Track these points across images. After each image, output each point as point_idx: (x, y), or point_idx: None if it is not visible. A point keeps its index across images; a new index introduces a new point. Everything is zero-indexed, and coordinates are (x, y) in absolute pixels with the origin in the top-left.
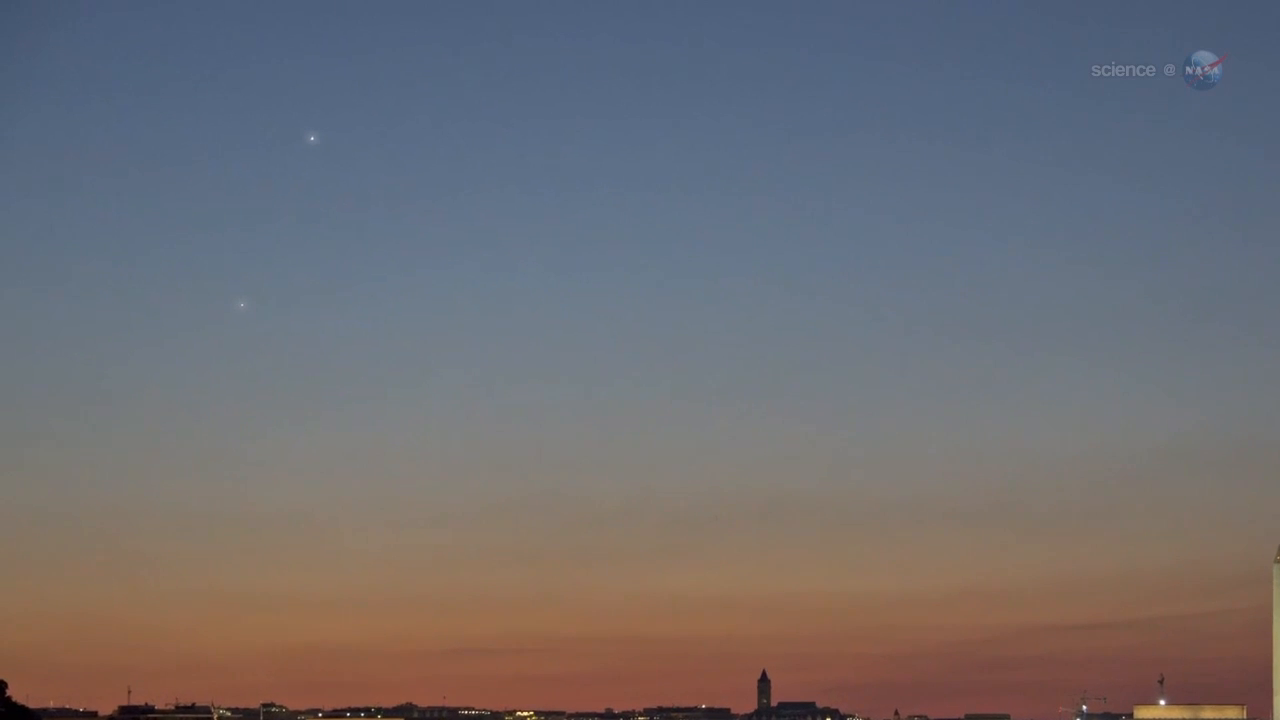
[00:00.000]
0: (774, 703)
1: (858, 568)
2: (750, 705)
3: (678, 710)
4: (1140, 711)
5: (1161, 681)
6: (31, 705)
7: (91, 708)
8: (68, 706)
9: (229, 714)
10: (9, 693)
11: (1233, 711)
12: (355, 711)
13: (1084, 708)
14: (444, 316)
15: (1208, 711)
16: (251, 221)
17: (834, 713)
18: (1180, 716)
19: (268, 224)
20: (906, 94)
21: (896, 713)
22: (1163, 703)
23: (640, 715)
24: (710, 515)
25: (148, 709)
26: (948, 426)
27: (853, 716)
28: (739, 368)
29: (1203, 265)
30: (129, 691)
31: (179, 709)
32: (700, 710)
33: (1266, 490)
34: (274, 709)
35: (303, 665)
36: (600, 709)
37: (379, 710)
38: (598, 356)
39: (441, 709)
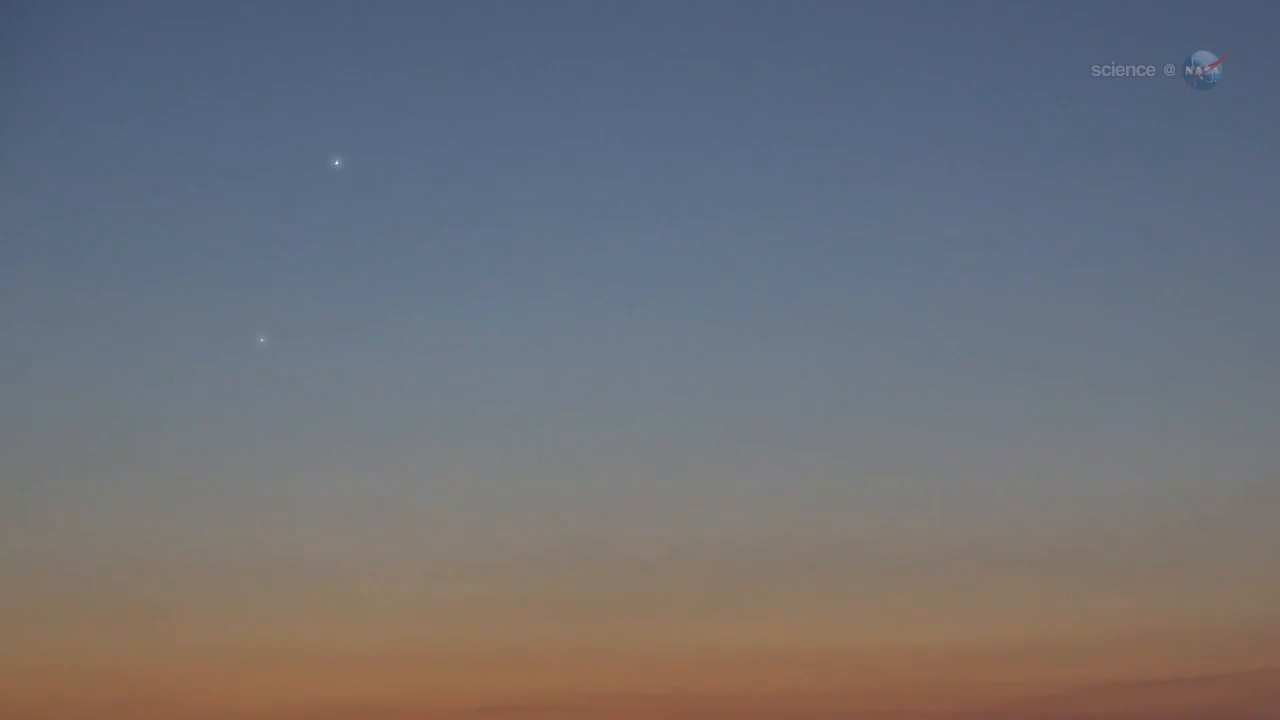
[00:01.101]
0: None
1: (915, 620)
2: None
3: None
4: None
5: None
6: None
7: None
8: None
9: None
10: None
11: None
12: None
13: None
14: (477, 352)
15: None
16: (272, 251)
17: None
18: None
19: (289, 253)
20: (966, 116)
21: None
22: None
23: None
24: (759, 564)
25: None
26: (1011, 469)
27: None
28: (790, 407)
29: None
30: None
31: None
32: None
33: None
34: None
35: None
36: None
37: None
38: (640, 395)
39: None
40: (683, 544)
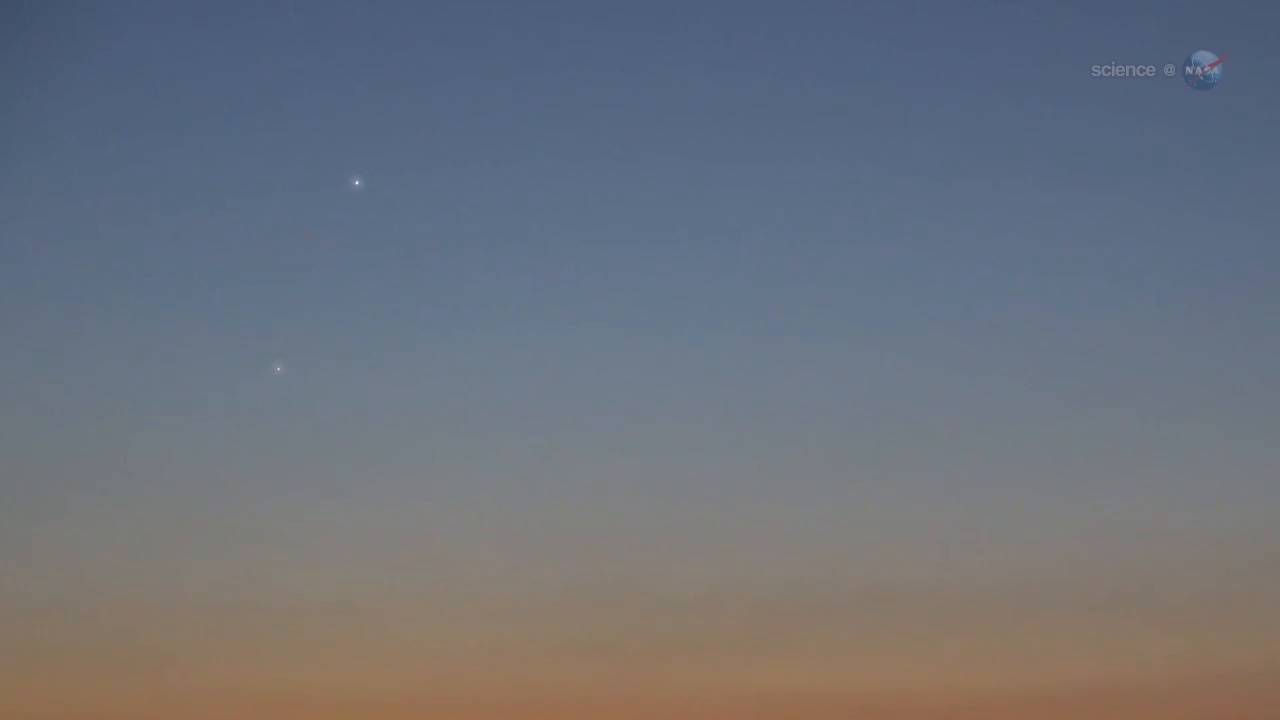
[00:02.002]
0: None
1: (969, 663)
2: None
3: None
4: None
5: None
6: None
7: None
8: None
9: None
10: None
11: None
12: None
13: None
14: (504, 380)
15: None
16: (288, 274)
17: None
18: None
19: (307, 277)
20: (1014, 131)
21: None
22: None
23: None
24: (801, 605)
25: None
26: (1067, 503)
27: None
28: (833, 438)
29: None
30: None
31: None
32: None
33: None
34: None
35: None
36: None
37: None
38: (675, 426)
39: None
40: (720, 583)
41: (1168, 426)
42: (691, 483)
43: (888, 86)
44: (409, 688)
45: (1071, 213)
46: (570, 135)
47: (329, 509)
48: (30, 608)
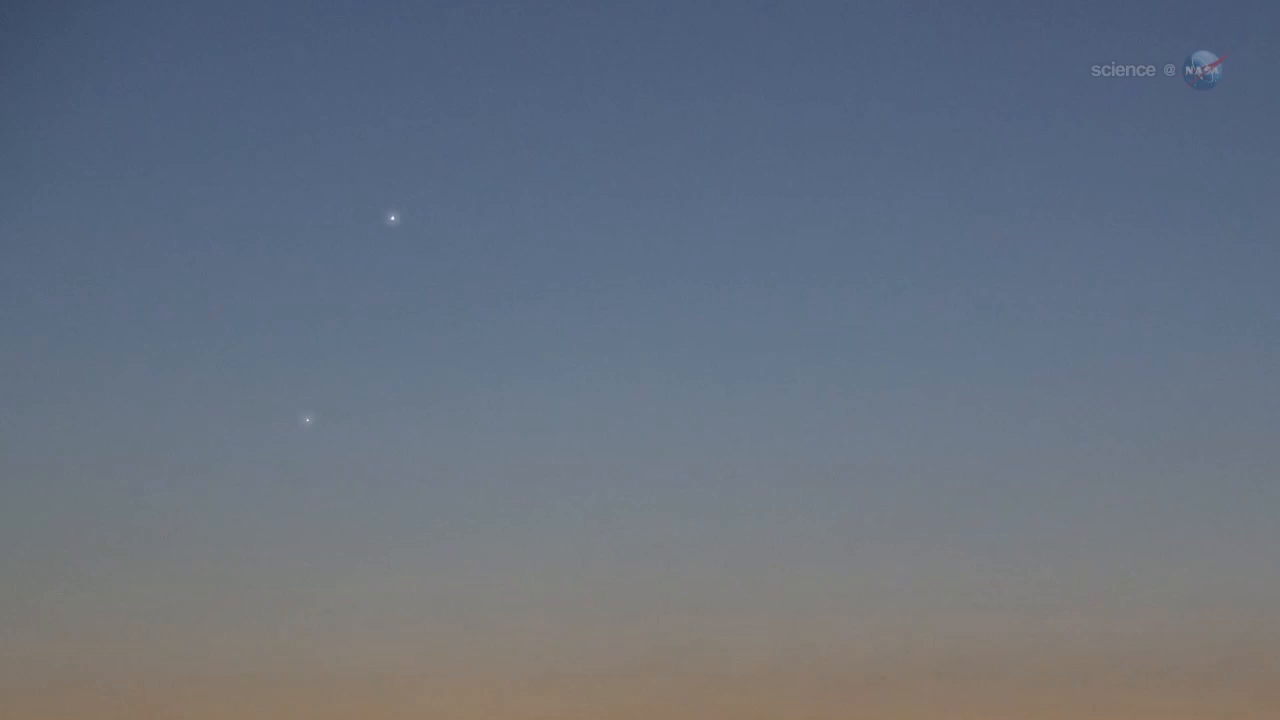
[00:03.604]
0: None
1: None
2: None
3: None
4: None
5: None
6: None
7: None
8: None
9: None
10: None
11: None
12: None
13: None
14: (553, 434)
15: None
16: (319, 319)
17: None
18: None
19: (339, 322)
20: (1104, 166)
21: None
22: None
23: None
24: (875, 675)
25: None
26: (1164, 567)
27: None
28: (910, 497)
29: None
30: None
31: None
32: None
33: None
34: None
35: None
36: None
37: None
38: (738, 483)
39: None
40: (787, 653)
41: (1270, 484)
42: (756, 546)
43: (970, 117)
44: None
45: (1163, 254)
46: (624, 168)
47: (362, 572)
48: (41, 677)
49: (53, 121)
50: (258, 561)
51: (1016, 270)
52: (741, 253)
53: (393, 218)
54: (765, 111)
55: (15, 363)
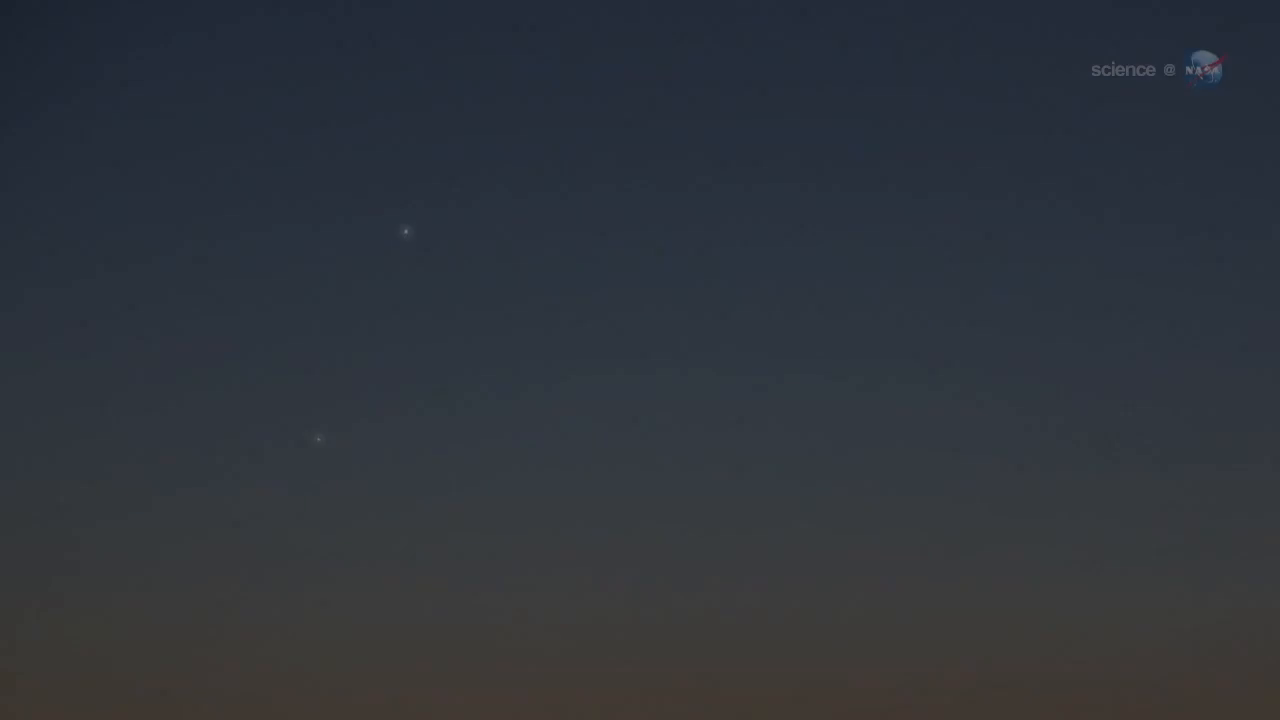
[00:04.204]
0: None
1: None
2: None
3: None
4: None
5: None
6: None
7: None
8: None
9: None
10: None
11: None
12: None
13: None
14: (570, 453)
15: None
16: (330, 334)
17: None
18: None
19: (350, 338)
20: (1103, 166)
21: None
22: None
23: None
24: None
25: None
26: (1184, 591)
27: None
28: (957, 515)
29: None
30: None
31: None
32: None
33: None
34: None
35: None
36: None
37: None
38: (774, 501)
39: None
40: (816, 678)
41: None
42: (770, 555)
43: (969, 116)
44: None
45: (1165, 250)
46: (644, 179)
47: (376, 599)
48: (38, 706)
49: (57, 136)
50: (264, 587)
51: (1014, 270)
52: (749, 258)
53: (406, 230)
54: (769, 121)
55: (16, 374)
